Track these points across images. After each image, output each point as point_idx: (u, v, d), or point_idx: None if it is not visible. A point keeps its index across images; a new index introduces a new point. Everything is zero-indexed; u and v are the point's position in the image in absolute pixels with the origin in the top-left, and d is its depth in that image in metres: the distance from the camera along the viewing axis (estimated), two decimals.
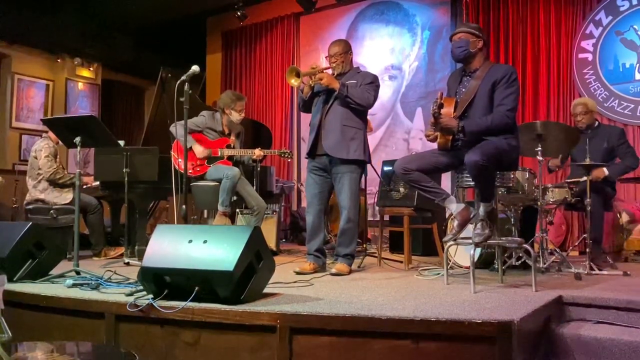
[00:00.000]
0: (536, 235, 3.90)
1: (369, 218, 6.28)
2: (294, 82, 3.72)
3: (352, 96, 3.64)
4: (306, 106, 3.90)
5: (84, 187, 4.90)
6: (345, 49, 3.84)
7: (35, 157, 4.84)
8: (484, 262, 3.88)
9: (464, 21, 6.80)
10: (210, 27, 9.32)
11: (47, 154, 4.80)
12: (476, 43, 3.22)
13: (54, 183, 4.81)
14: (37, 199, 4.79)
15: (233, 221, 4.83)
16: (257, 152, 4.80)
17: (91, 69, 8.87)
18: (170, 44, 8.89)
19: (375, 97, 3.79)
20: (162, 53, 8.91)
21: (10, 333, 2.03)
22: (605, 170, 4.14)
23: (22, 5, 7.52)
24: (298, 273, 3.58)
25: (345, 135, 3.67)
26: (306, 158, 3.89)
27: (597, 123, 4.45)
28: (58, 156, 4.94)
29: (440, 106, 3.00)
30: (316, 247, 3.79)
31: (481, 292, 2.82)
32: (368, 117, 3.90)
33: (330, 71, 3.81)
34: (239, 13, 8.21)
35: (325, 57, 3.93)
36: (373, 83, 3.77)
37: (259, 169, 5.29)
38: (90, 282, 2.98)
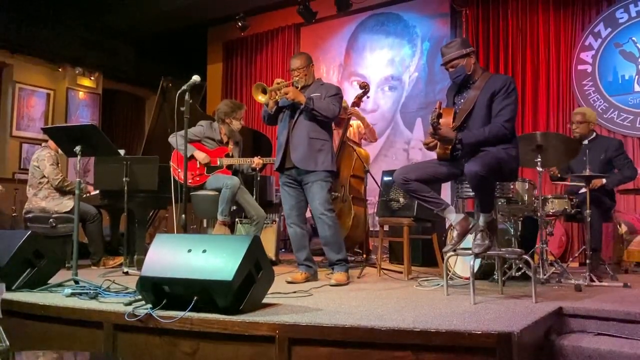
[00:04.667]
0: (536, 246, 3.90)
1: (370, 228, 6.27)
2: (261, 98, 3.74)
3: (319, 109, 3.70)
4: (271, 120, 3.92)
5: (85, 195, 4.90)
6: (307, 62, 3.89)
7: (37, 167, 4.83)
8: (484, 273, 3.87)
9: (463, 34, 6.83)
10: (211, 37, 9.37)
11: (51, 162, 4.81)
12: (470, 61, 3.22)
13: (60, 191, 4.82)
14: (38, 207, 4.79)
15: (232, 230, 4.82)
16: (257, 161, 4.82)
17: (92, 78, 8.90)
18: (171, 54, 8.94)
19: (340, 108, 3.89)
20: (163, 63, 8.96)
21: (7, 342, 2.02)
22: (604, 179, 4.14)
23: (24, 15, 7.57)
24: (290, 282, 3.60)
25: (313, 148, 3.73)
26: (276, 171, 3.93)
27: (595, 134, 4.46)
28: (59, 163, 4.95)
29: (439, 115, 3.00)
30: (304, 256, 3.82)
31: (481, 303, 2.81)
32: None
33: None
34: (240, 24, 8.25)
35: (288, 71, 3.97)
36: (337, 95, 3.85)
37: (258, 178, 5.29)
38: (88, 291, 2.97)
